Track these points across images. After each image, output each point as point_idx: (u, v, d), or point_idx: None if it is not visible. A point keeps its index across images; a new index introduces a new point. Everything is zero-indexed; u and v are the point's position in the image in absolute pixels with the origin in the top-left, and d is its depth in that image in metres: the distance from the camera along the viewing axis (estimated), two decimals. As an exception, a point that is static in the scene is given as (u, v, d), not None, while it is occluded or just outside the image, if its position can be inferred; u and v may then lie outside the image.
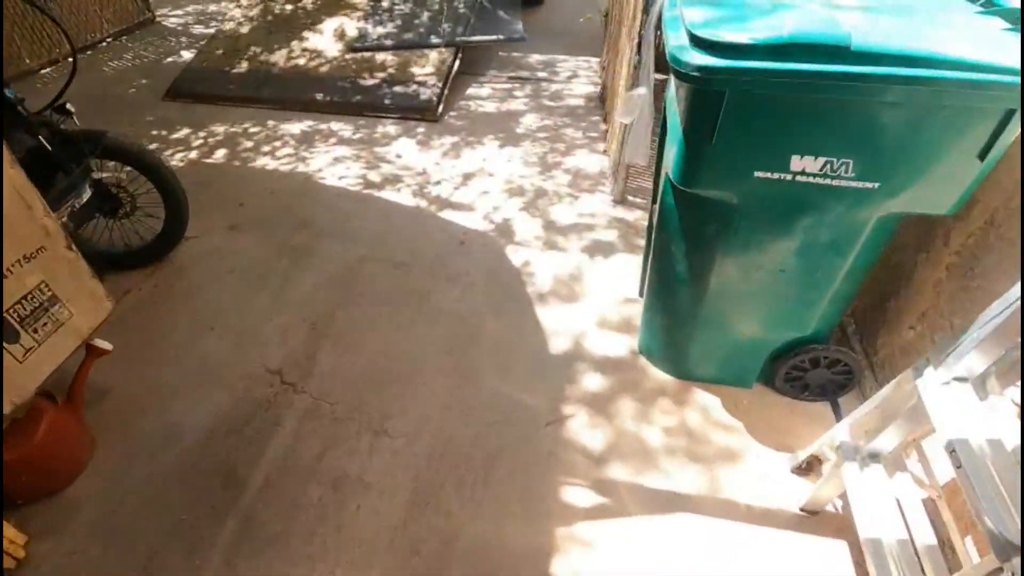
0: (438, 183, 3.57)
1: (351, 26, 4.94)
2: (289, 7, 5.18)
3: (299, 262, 2.97)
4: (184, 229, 2.93)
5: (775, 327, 2.08)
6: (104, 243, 2.85)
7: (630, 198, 3.42)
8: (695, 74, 1.45)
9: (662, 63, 1.86)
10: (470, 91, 4.71)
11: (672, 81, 1.93)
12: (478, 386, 2.34)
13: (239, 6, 5.26)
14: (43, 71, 4.96)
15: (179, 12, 6.44)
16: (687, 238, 1.92)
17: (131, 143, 2.66)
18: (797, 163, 1.58)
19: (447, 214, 3.32)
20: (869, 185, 1.60)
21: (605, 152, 3.87)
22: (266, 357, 2.47)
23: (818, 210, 1.69)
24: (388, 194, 3.48)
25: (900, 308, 2.12)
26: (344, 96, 4.38)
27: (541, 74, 5.00)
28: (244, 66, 4.65)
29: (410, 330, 2.59)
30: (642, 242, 3.07)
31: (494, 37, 4.82)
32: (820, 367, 2.15)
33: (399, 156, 3.85)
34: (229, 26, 5.04)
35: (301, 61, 4.67)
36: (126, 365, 2.42)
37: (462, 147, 3.95)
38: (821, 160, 1.57)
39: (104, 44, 5.51)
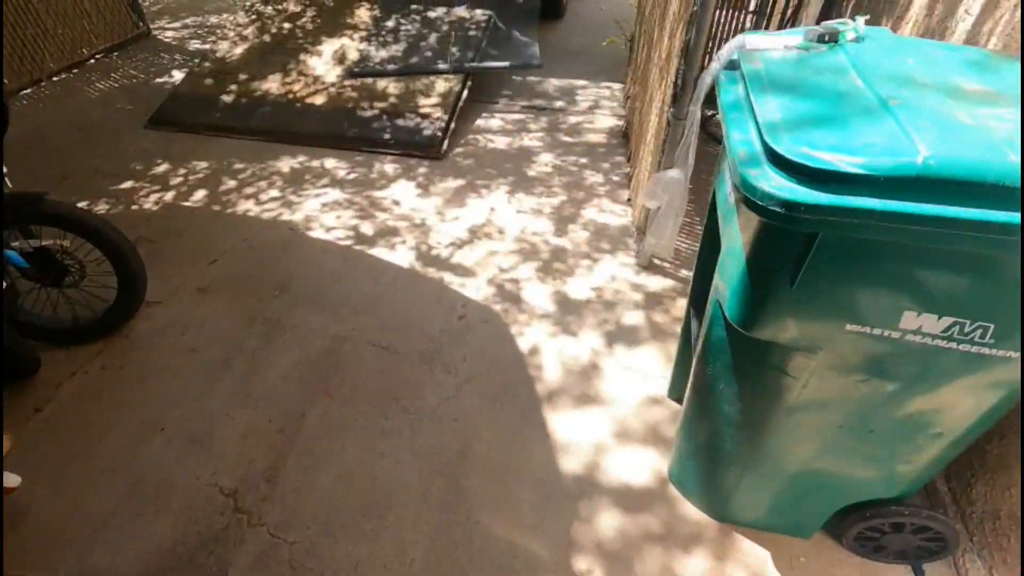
0: (438, 239, 3.15)
1: (352, 48, 4.54)
2: (287, 26, 4.79)
3: (271, 339, 2.56)
4: (140, 300, 2.54)
5: (851, 486, 1.63)
6: (48, 315, 2.48)
7: (657, 262, 2.96)
8: (777, 210, 1.00)
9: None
10: (479, 122, 4.28)
11: (727, 173, 1.48)
12: (469, 526, 1.91)
13: (235, 24, 4.89)
14: (23, 91, 4.63)
15: (176, 25, 6.10)
16: (741, 382, 1.47)
17: (70, 208, 2.28)
18: (911, 320, 1.13)
19: (446, 277, 2.89)
20: (1011, 354, 1.14)
21: (629, 202, 3.42)
22: (220, 471, 2.07)
23: (931, 375, 1.23)
24: (381, 251, 3.07)
25: (1004, 454, 1.65)
26: (340, 129, 3.97)
27: (558, 103, 4.56)
28: (234, 92, 4.27)
29: (392, 439, 2.17)
30: (672, 323, 2.62)
31: (507, 64, 4.38)
32: (903, 532, 1.69)
33: (396, 203, 3.43)
34: (222, 46, 4.67)
35: (296, 87, 4.27)
36: (53, 478, 2.03)
37: (467, 193, 3.52)
38: (947, 320, 1.11)
39: (93, 61, 5.17)
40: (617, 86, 4.82)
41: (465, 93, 4.20)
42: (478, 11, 4.73)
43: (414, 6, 4.84)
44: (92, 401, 2.31)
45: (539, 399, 2.31)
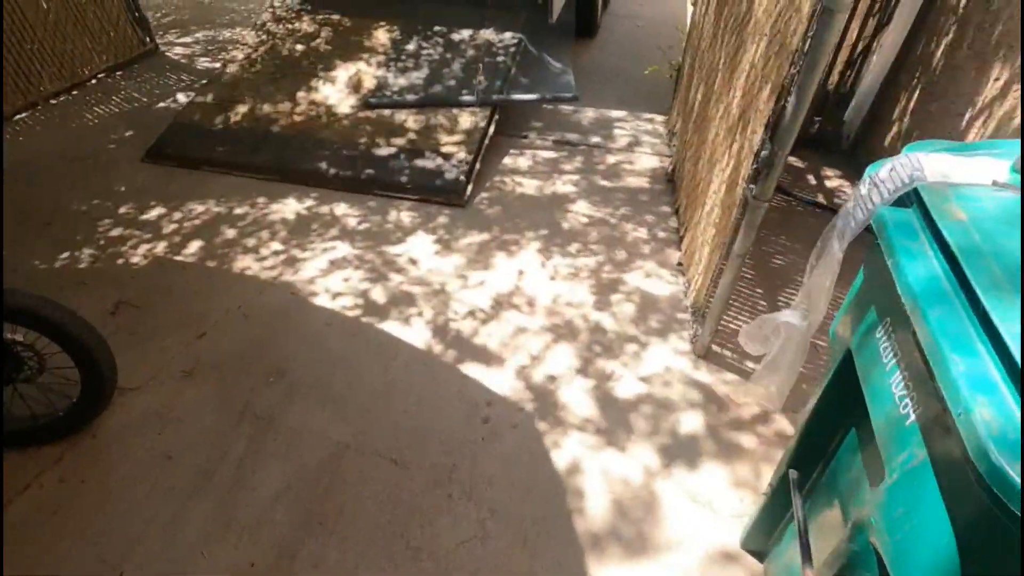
0: (459, 310, 2.73)
1: (369, 74, 4.15)
2: (300, 47, 4.41)
3: (262, 443, 2.17)
4: (105, 398, 2.16)
5: None
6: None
7: (716, 349, 2.52)
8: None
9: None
10: (507, 160, 3.86)
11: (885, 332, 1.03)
12: None
13: (243, 44, 4.52)
14: (17, 116, 4.31)
15: (186, 40, 5.77)
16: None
17: (36, 303, 1.90)
18: None
19: (468, 363, 2.47)
20: None
21: (680, 266, 2.97)
22: (187, 638, 1.67)
23: None
24: (393, 325, 2.66)
25: None
26: (353, 168, 3.58)
27: (594, 138, 4.11)
28: (239, 122, 3.90)
29: (401, 598, 1.75)
30: (739, 432, 2.17)
31: (538, 97, 3.95)
32: None
33: (413, 262, 3.02)
34: (229, 69, 4.30)
35: (306, 118, 3.89)
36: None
37: (493, 250, 3.10)
38: None
39: (95, 81, 4.85)
40: (659, 118, 4.37)
41: (492, 129, 3.78)
42: (507, 34, 4.31)
43: (437, 27, 4.44)
44: (44, 526, 1.93)
45: (580, 544, 1.88)
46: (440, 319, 2.68)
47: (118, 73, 5.00)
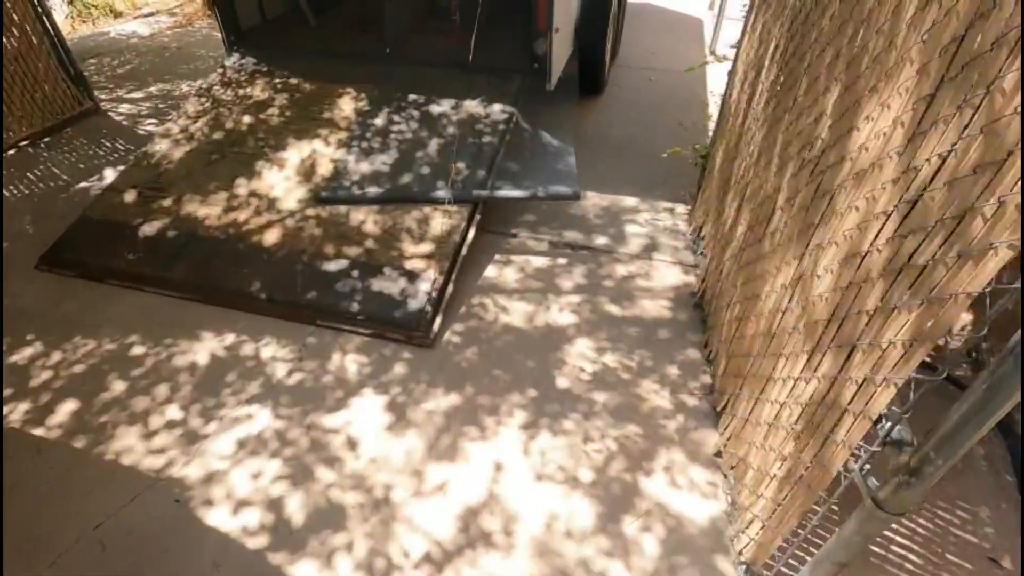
0: (407, 546, 1.91)
1: (326, 156, 3.40)
2: (247, 120, 3.68)
3: None
4: None
5: None
6: None
7: (779, 625, 1.69)
8: None
9: None
10: (489, 271, 3.08)
11: None
12: None
13: (182, 115, 3.79)
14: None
15: (138, 95, 5.07)
16: None
17: None
18: None
19: (411, 648, 1.66)
20: None
21: (718, 456, 2.16)
22: None
23: None
24: (310, 567, 1.85)
25: None
26: (292, 289, 2.80)
27: (600, 238, 3.33)
28: (160, 220, 3.14)
29: None
30: None
31: (530, 194, 3.18)
32: None
33: (351, 445, 2.22)
34: (160, 147, 3.57)
35: (242, 216, 3.13)
36: None
37: (463, 424, 2.30)
38: None
39: (14, 151, 4.14)
40: (680, 209, 3.58)
41: (471, 234, 3.01)
42: (496, 106, 3.56)
43: (413, 96, 3.70)
44: None
45: None
46: (378, 562, 1.87)
47: (44, 140, 4.28)
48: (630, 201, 3.66)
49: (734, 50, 2.97)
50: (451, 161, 3.27)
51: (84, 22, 6.13)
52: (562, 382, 2.48)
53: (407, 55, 4.03)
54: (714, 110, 4.35)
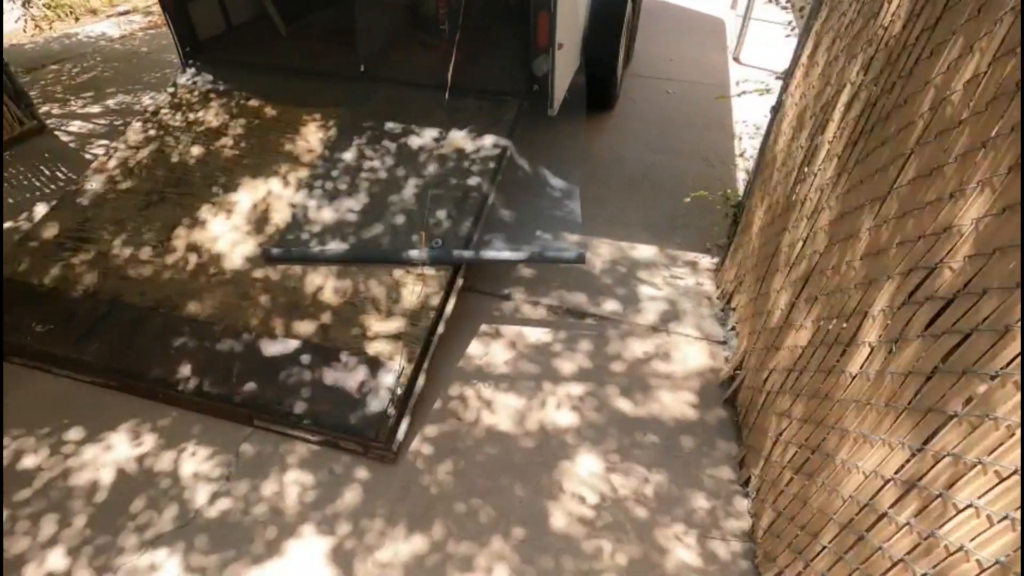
0: None
1: (282, 201, 2.85)
2: (196, 152, 3.13)
3: None
4: None
5: None
6: None
7: None
8: None
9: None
10: (472, 347, 2.53)
11: None
12: None
13: (122, 145, 3.24)
14: None
15: (94, 109, 4.54)
16: None
17: None
18: None
19: None
20: None
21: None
22: None
23: None
24: None
25: None
26: (226, 379, 2.27)
27: (609, 304, 2.76)
28: (79, 281, 2.61)
29: None
30: None
31: (524, 255, 2.61)
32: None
33: (278, 620, 1.70)
34: (91, 185, 3.03)
35: (177, 276, 2.60)
36: None
37: (427, 587, 1.77)
38: None
39: (-60, 179, 3.63)
40: (705, 262, 3.01)
41: (451, 305, 2.46)
42: (488, 139, 2.99)
43: (391, 124, 3.14)
44: None
45: None
46: None
47: (-22, 166, 3.77)
48: (645, 251, 3.08)
49: (779, 81, 2.38)
50: (429, 211, 2.71)
51: (41, 29, 5.59)
52: (558, 519, 1.93)
53: (385, 73, 3.45)
54: (747, 144, 3.74)
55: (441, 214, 2.72)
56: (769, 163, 2.30)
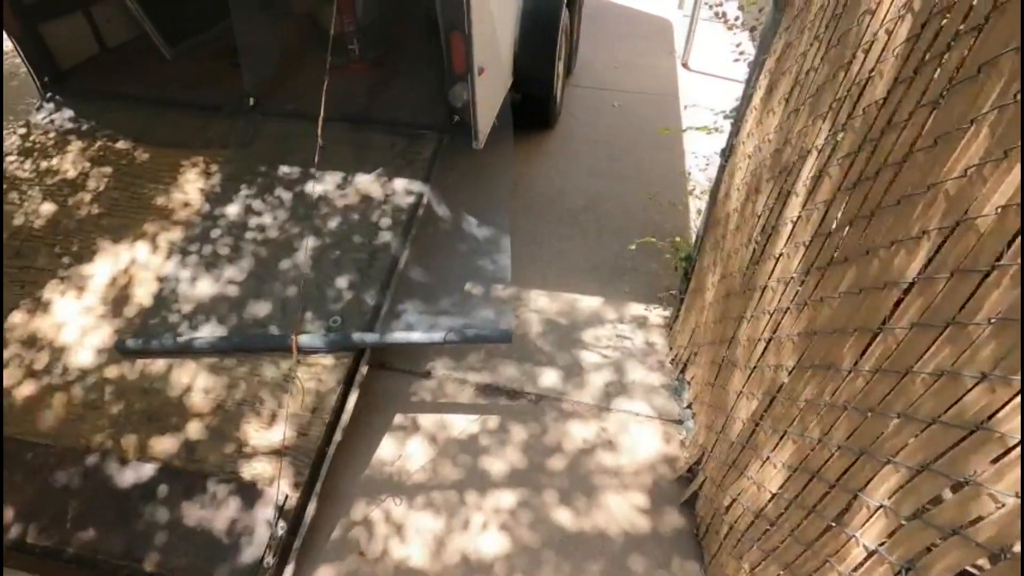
0: None
1: (149, 272, 2.35)
2: (46, 211, 2.57)
3: None
4: None
5: None
6: None
7: None
8: None
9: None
10: (384, 451, 2.10)
11: None
12: None
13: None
14: None
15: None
16: None
17: None
18: None
19: None
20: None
21: None
22: None
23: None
24: None
25: None
26: (58, 525, 1.77)
27: (548, 377, 2.37)
28: None
29: None
30: None
31: (442, 337, 2.17)
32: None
33: None
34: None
35: (6, 380, 2.08)
36: None
37: None
38: None
39: None
40: (655, 315, 2.65)
41: (352, 401, 2.02)
42: (400, 182, 2.55)
43: (285, 169, 2.66)
44: None
45: None
46: None
47: None
48: (588, 302, 2.70)
49: (728, 121, 2.01)
50: (327, 279, 2.26)
51: None
52: None
53: (280, 105, 2.95)
54: (697, 177, 3.38)
55: (342, 282, 2.27)
56: (720, 220, 1.94)
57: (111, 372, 2.08)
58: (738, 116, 1.86)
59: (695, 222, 3.01)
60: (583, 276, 2.86)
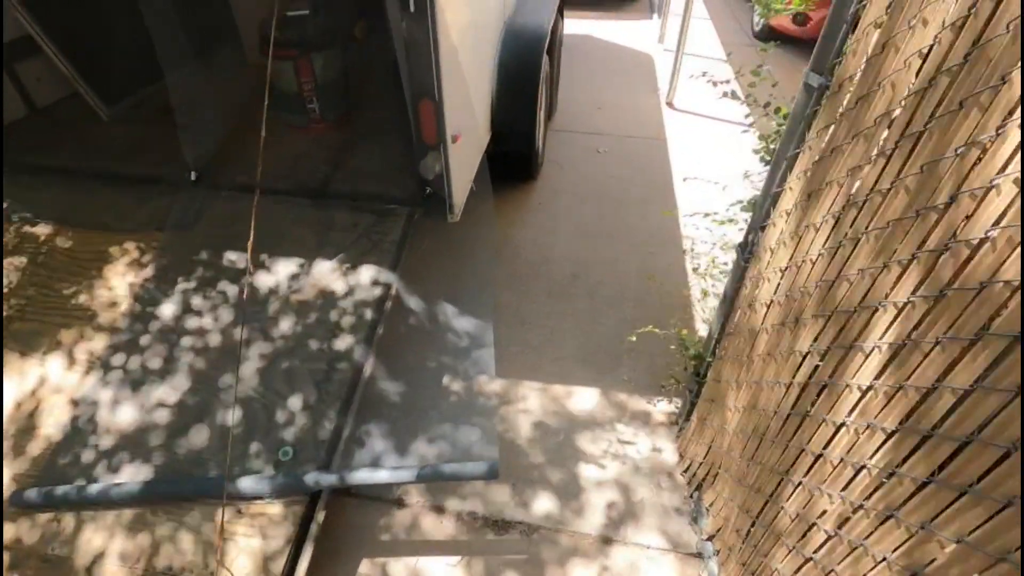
0: None
1: (61, 395, 1.96)
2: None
3: None
4: None
5: None
6: None
7: None
8: None
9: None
10: (351, 609, 1.74)
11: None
12: None
13: None
14: None
15: None
16: None
17: None
18: None
19: None
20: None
21: None
22: None
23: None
24: None
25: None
26: None
27: (540, 502, 2.02)
28: None
29: None
30: None
31: (410, 477, 1.81)
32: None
33: None
34: None
35: None
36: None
37: None
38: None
39: None
40: (660, 411, 2.32)
41: (305, 563, 1.65)
42: (365, 272, 2.21)
43: (230, 255, 2.31)
44: None
45: None
46: None
47: None
48: (583, 398, 2.37)
49: (746, 234, 1.70)
50: (278, 399, 1.90)
51: None
52: None
53: (231, 173, 2.61)
54: (699, 250, 3.05)
55: (294, 402, 1.91)
56: (743, 332, 1.63)
57: (5, 531, 1.69)
58: (757, 211, 1.56)
59: (698, 303, 2.71)
60: (577, 363, 2.53)
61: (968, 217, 0.81)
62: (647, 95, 5.14)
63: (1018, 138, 0.72)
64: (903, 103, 0.97)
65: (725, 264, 2.51)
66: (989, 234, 0.76)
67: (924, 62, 0.93)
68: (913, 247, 0.92)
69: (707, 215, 2.18)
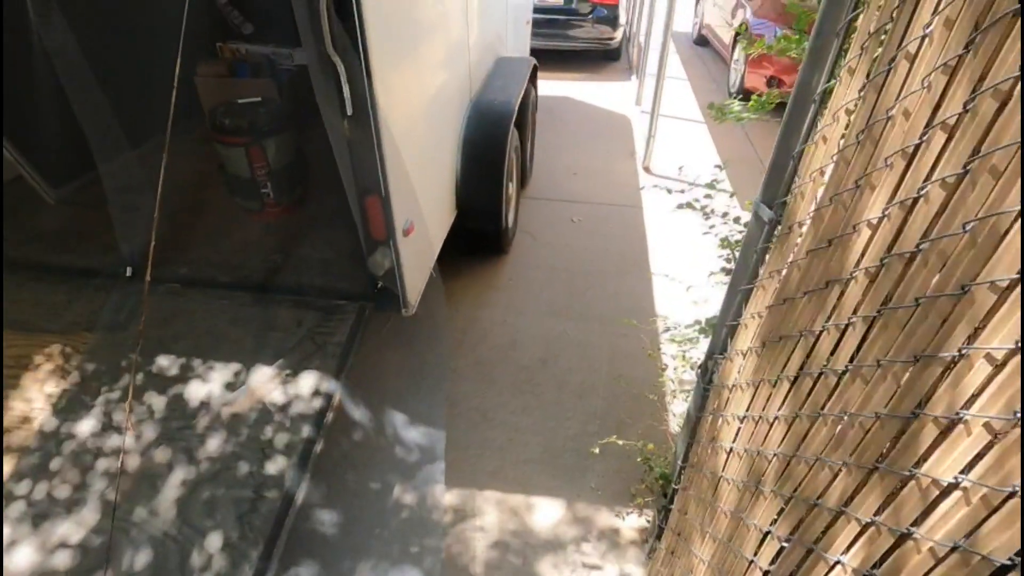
0: None
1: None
2: None
3: None
4: None
5: None
6: None
7: None
8: None
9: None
10: None
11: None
12: None
13: None
14: None
15: None
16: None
17: None
18: None
19: None
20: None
21: None
22: None
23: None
24: None
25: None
26: None
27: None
28: None
29: None
30: None
31: None
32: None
33: None
34: None
35: None
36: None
37: None
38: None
39: None
40: (629, 527, 2.12)
41: None
42: (306, 379, 2.03)
43: (162, 361, 2.13)
44: None
45: None
46: None
47: None
48: (547, 512, 2.17)
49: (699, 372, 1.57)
50: (196, 533, 1.69)
51: None
52: None
53: (172, 266, 2.47)
54: (674, 322, 2.88)
55: (214, 540, 1.71)
56: (705, 474, 1.46)
57: None
58: (716, 336, 1.43)
59: (671, 397, 2.54)
60: (542, 467, 2.34)
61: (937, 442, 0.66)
62: (623, 159, 5.12)
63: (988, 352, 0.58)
64: (855, 276, 0.84)
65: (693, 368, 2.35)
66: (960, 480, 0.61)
67: (874, 234, 0.80)
68: (877, 451, 0.77)
69: (667, 329, 2.05)
